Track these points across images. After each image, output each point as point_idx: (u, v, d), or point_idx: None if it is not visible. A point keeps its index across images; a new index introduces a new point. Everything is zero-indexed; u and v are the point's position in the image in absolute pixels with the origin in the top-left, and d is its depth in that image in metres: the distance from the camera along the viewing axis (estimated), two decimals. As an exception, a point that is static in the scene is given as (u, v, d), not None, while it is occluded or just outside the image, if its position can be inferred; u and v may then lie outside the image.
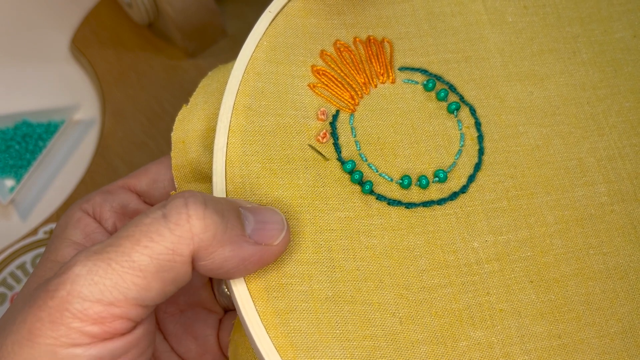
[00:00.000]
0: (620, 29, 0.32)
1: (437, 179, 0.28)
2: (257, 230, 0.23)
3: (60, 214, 0.40)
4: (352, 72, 0.29)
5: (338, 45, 0.30)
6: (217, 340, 0.28)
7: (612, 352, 0.26)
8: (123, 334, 0.21)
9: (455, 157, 0.28)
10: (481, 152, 0.29)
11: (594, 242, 0.28)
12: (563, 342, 0.26)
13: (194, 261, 0.22)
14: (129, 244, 0.21)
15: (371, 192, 0.27)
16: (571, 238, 0.27)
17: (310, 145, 0.27)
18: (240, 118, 0.27)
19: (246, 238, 0.23)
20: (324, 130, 0.28)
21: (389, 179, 0.27)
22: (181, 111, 0.29)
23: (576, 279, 0.27)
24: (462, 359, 0.25)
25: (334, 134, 0.28)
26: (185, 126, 0.29)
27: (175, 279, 0.22)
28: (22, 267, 0.39)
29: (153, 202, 0.29)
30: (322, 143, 0.27)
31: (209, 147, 0.28)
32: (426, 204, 0.27)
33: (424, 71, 0.30)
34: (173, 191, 0.29)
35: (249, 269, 0.23)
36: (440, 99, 0.29)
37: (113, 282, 0.21)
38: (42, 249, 0.39)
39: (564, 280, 0.27)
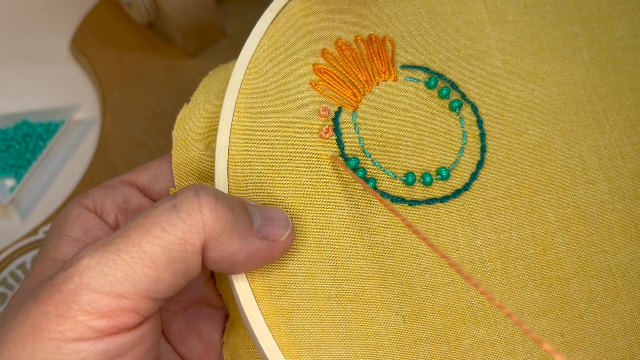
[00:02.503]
0: (620, 27, 0.32)
1: (439, 176, 0.28)
2: (265, 226, 0.23)
3: (60, 214, 0.40)
4: (353, 69, 0.29)
5: (339, 43, 0.30)
6: (222, 337, 0.28)
7: (614, 349, 0.26)
8: (130, 329, 0.21)
9: (458, 155, 0.28)
10: (483, 149, 0.29)
11: (596, 240, 0.28)
12: (566, 340, 0.26)
13: (202, 253, 0.22)
14: (139, 234, 0.21)
15: (374, 189, 0.27)
16: (573, 236, 0.28)
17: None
18: (242, 117, 0.27)
19: (254, 232, 0.23)
20: (327, 126, 0.28)
21: (393, 176, 0.27)
22: (182, 110, 0.29)
23: (578, 277, 0.27)
24: (465, 357, 0.25)
25: (337, 130, 0.28)
26: (187, 125, 0.29)
27: (186, 270, 0.21)
28: (22, 267, 0.39)
29: (154, 196, 0.29)
30: (324, 139, 0.27)
31: (210, 146, 0.28)
32: (429, 201, 0.27)
33: (425, 69, 0.30)
34: (172, 188, 0.29)
35: (256, 264, 0.23)
36: (442, 96, 0.29)
37: (123, 274, 0.20)
38: (42, 249, 0.39)
39: (566, 278, 0.27)
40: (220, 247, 0.22)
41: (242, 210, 0.23)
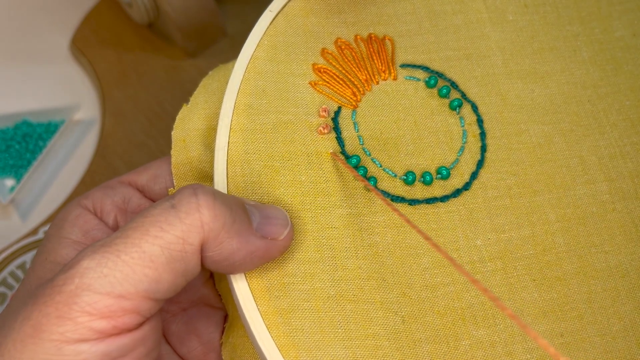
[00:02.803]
0: (620, 27, 0.32)
1: (439, 175, 0.28)
2: (263, 224, 0.23)
3: (60, 214, 0.40)
4: (353, 69, 0.29)
5: (339, 43, 0.30)
6: (222, 338, 0.28)
7: (614, 350, 0.26)
8: (131, 329, 0.21)
9: (458, 154, 0.28)
10: (484, 149, 0.29)
11: (596, 241, 0.28)
12: (565, 341, 0.26)
13: (201, 252, 0.22)
14: (138, 235, 0.21)
15: (375, 188, 0.27)
16: (573, 236, 0.27)
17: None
18: (242, 117, 0.27)
19: (253, 231, 0.23)
20: (326, 122, 0.28)
21: (393, 175, 0.27)
22: (182, 110, 0.29)
23: (578, 278, 0.27)
24: (464, 358, 0.25)
25: (337, 129, 0.28)
26: (186, 125, 0.29)
27: (185, 270, 0.22)
28: (22, 267, 0.39)
29: (154, 197, 0.29)
30: (323, 134, 0.27)
31: (209, 146, 0.28)
32: (429, 200, 0.27)
33: (425, 68, 0.30)
34: (171, 189, 0.29)
35: (255, 263, 0.23)
36: (442, 95, 0.29)
37: (124, 274, 0.20)
38: (42, 249, 0.39)
39: (566, 279, 0.27)
40: (219, 246, 0.22)
41: (241, 209, 0.23)
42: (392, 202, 0.27)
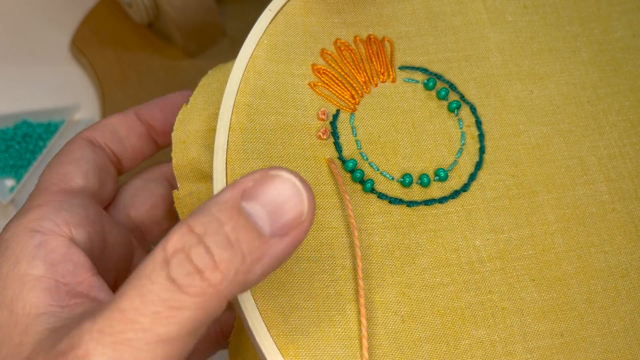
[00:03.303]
0: (620, 28, 0.32)
1: (437, 177, 0.28)
2: (275, 222, 0.19)
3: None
4: (352, 71, 0.29)
5: (338, 44, 0.30)
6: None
7: (615, 350, 0.26)
8: None
9: (456, 156, 0.28)
10: (482, 150, 0.29)
11: (595, 241, 0.28)
12: (566, 341, 0.26)
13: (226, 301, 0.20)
14: (149, 321, 0.19)
15: (372, 190, 0.27)
16: (572, 236, 0.28)
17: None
18: (241, 116, 0.27)
19: (268, 241, 0.19)
20: (325, 127, 0.28)
21: (390, 178, 0.27)
22: (181, 111, 0.29)
23: (578, 278, 0.27)
24: (464, 358, 0.25)
25: (335, 133, 0.28)
26: (186, 126, 0.29)
27: (207, 325, 0.20)
28: (22, 267, 0.39)
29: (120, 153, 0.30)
30: (322, 140, 0.27)
31: (209, 147, 0.28)
32: (428, 202, 0.27)
33: (424, 70, 0.30)
34: (175, 190, 0.29)
35: (285, 260, 0.20)
36: (440, 97, 0.29)
37: None
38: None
39: (565, 279, 0.27)
40: (246, 285, 0.20)
41: (239, 226, 0.19)
42: (352, 205, 0.26)
